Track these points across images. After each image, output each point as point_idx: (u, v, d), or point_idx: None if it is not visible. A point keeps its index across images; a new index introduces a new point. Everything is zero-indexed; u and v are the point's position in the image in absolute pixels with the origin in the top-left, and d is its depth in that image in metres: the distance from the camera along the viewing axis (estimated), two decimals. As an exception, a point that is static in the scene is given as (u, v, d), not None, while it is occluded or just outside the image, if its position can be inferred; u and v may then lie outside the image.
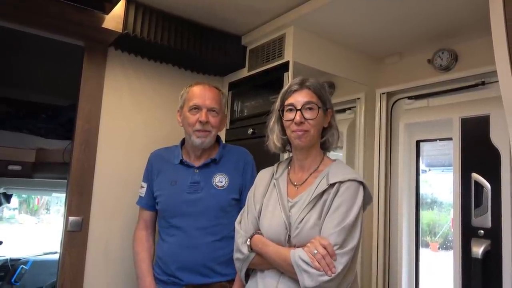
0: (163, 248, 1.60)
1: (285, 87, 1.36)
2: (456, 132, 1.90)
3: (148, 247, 1.65)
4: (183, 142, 1.73)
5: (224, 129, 2.34)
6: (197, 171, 1.62)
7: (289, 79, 1.91)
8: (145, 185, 1.70)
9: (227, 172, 1.63)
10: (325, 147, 1.39)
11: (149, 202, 1.68)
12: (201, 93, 1.61)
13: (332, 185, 1.23)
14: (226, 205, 1.58)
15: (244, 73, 2.26)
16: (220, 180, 1.61)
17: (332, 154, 1.45)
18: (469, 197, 1.81)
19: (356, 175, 1.26)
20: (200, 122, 1.57)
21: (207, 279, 1.51)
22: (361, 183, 1.24)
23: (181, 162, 1.65)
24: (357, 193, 1.22)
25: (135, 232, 1.70)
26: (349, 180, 1.23)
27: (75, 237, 1.85)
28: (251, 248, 1.29)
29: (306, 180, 1.33)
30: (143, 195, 1.70)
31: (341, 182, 1.22)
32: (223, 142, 1.78)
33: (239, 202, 1.62)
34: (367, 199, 1.26)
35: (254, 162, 1.71)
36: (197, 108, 1.59)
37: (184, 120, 1.63)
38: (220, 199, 1.57)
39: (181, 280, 1.51)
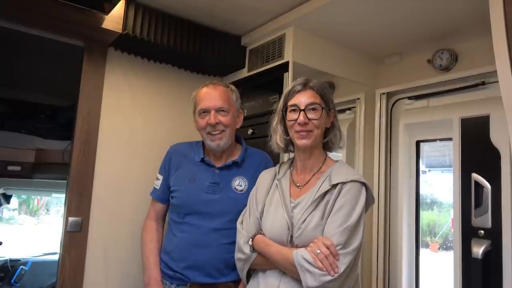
0: (172, 242, 1.58)
1: (288, 88, 1.37)
2: (456, 132, 1.90)
3: (157, 238, 1.65)
4: None
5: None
6: (217, 171, 1.60)
7: (289, 79, 1.91)
8: (161, 177, 1.69)
9: (247, 176, 1.61)
10: (327, 147, 1.40)
11: (163, 195, 1.67)
12: (207, 95, 1.59)
13: (335, 185, 1.23)
14: (243, 210, 1.53)
15: (244, 73, 2.26)
16: (239, 183, 1.59)
17: (331, 154, 1.45)
18: (469, 197, 1.80)
19: (358, 176, 1.26)
20: (210, 124, 1.55)
21: (213, 280, 1.50)
22: (363, 184, 1.25)
23: (202, 160, 1.63)
24: (360, 194, 1.23)
25: (145, 222, 1.70)
26: (351, 181, 1.23)
27: (75, 238, 1.85)
28: (253, 248, 1.29)
29: (309, 181, 1.33)
30: (157, 187, 1.69)
31: (343, 183, 1.23)
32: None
33: None
34: (369, 200, 1.27)
35: None
36: (205, 111, 1.57)
37: (197, 125, 1.62)
38: (238, 204, 1.54)
39: (187, 278, 1.51)
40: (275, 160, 1.84)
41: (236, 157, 1.64)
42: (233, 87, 1.68)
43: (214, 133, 1.57)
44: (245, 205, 1.51)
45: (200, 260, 1.50)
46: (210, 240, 1.52)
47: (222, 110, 1.57)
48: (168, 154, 1.71)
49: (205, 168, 1.62)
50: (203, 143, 1.69)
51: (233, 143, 1.68)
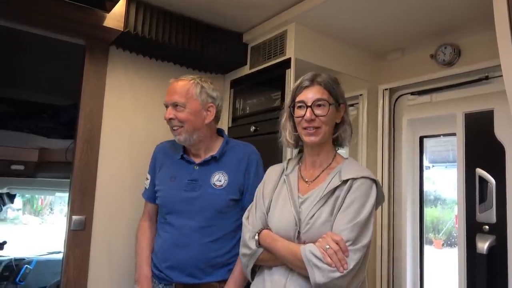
0: (158, 243, 1.60)
1: (296, 83, 1.34)
2: (460, 128, 1.89)
3: (150, 237, 1.65)
4: None
5: (226, 126, 2.34)
6: (197, 168, 1.58)
7: (291, 76, 1.90)
8: (149, 177, 1.70)
9: (227, 170, 1.58)
10: (337, 143, 1.37)
11: (152, 195, 1.67)
12: (168, 89, 1.59)
13: (345, 181, 1.21)
14: (223, 206, 1.53)
15: (246, 70, 2.25)
16: (219, 179, 1.56)
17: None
18: (473, 193, 1.80)
19: (369, 172, 1.24)
20: (165, 119, 1.56)
21: (196, 280, 1.49)
22: (374, 181, 1.23)
23: (182, 157, 1.61)
24: (370, 190, 1.20)
25: (139, 223, 1.72)
26: (362, 177, 1.21)
27: (79, 236, 1.85)
28: (259, 243, 1.27)
29: (318, 176, 1.31)
30: (147, 187, 1.70)
31: (354, 179, 1.21)
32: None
33: (239, 203, 1.57)
34: (379, 198, 1.24)
35: (260, 160, 1.65)
36: (166, 106, 1.58)
37: None
38: (217, 200, 1.53)
39: (170, 279, 1.51)
40: (278, 156, 1.84)
41: (215, 151, 1.61)
42: (200, 79, 1.61)
43: (174, 128, 1.56)
44: (225, 201, 1.52)
45: (181, 261, 1.49)
46: (191, 240, 1.50)
47: (177, 105, 1.54)
48: (154, 154, 1.72)
49: (184, 166, 1.60)
50: None
51: (210, 138, 1.64)
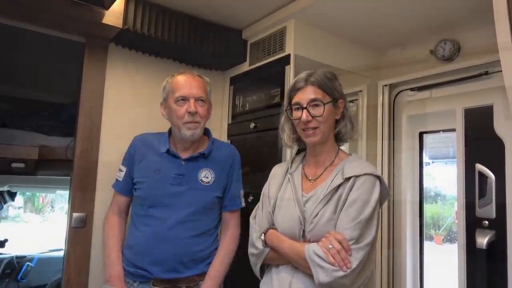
0: (135, 236, 1.53)
1: (291, 85, 1.34)
2: (459, 123, 1.89)
3: (119, 232, 1.60)
4: (170, 130, 1.67)
5: (226, 123, 2.34)
6: (184, 163, 1.58)
7: (290, 72, 1.90)
8: (124, 169, 1.63)
9: (214, 168, 1.60)
10: (339, 139, 1.37)
11: (126, 187, 1.62)
12: (186, 83, 1.54)
13: (348, 179, 1.20)
14: (209, 201, 1.55)
15: (245, 67, 2.25)
16: (206, 175, 1.57)
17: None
18: (473, 188, 1.80)
19: (372, 169, 1.23)
20: (190, 112, 1.50)
21: (178, 275, 1.48)
22: (377, 177, 1.22)
23: (168, 151, 1.59)
24: (374, 187, 1.19)
25: (107, 216, 1.65)
26: (365, 174, 1.20)
27: (79, 233, 1.86)
28: (265, 243, 1.28)
29: (321, 174, 1.31)
30: (120, 179, 1.63)
31: (357, 176, 1.20)
32: (213, 136, 1.72)
33: (222, 200, 1.61)
34: (384, 194, 1.23)
35: (240, 160, 1.70)
36: (184, 99, 1.52)
37: (171, 113, 1.55)
38: (204, 196, 1.55)
39: (150, 274, 1.47)
40: (277, 154, 1.84)
41: (203, 149, 1.61)
42: (207, 79, 1.65)
43: (194, 121, 1.52)
44: (211, 198, 1.55)
45: (164, 255, 1.47)
46: (175, 233, 1.49)
47: (201, 100, 1.54)
48: (132, 145, 1.66)
49: (170, 160, 1.58)
50: (169, 134, 1.66)
51: (201, 136, 1.64)
